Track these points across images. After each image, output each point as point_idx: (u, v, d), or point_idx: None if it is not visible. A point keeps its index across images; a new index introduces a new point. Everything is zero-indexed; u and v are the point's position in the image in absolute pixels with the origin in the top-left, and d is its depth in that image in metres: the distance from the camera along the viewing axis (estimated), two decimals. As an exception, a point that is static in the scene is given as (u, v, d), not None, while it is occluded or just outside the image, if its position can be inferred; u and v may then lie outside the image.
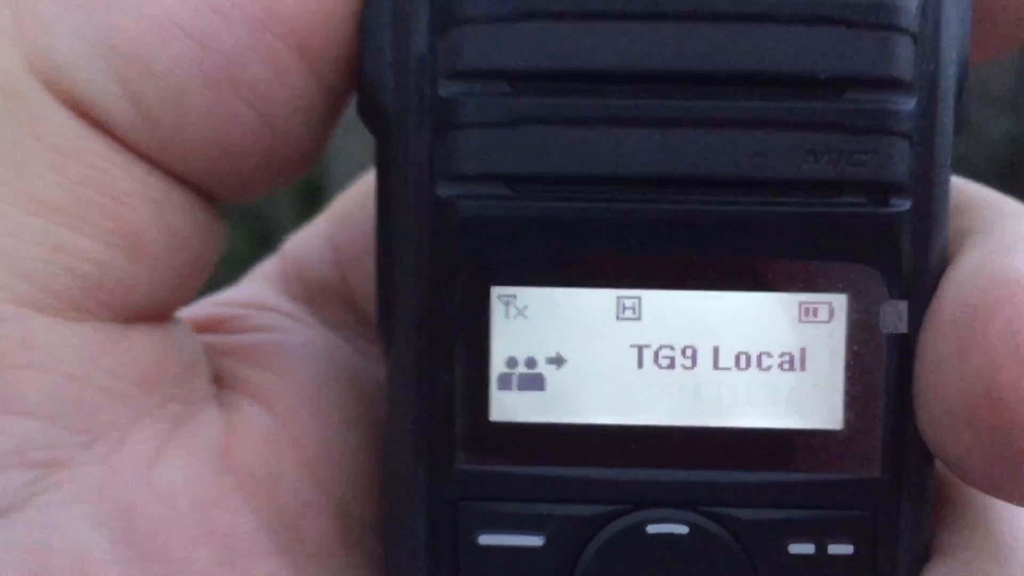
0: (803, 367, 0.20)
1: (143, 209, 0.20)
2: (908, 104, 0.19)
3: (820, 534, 0.20)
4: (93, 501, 0.19)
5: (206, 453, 0.20)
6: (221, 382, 0.22)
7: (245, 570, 0.20)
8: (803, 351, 0.20)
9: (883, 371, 0.20)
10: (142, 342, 0.20)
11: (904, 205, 0.20)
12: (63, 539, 0.19)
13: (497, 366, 0.20)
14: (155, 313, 0.21)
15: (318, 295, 0.25)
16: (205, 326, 0.23)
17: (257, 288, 0.25)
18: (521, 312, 0.20)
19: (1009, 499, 0.20)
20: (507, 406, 0.21)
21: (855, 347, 0.20)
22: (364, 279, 0.25)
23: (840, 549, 0.20)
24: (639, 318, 0.20)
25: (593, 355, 0.21)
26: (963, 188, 0.22)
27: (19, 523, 0.18)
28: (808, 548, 0.20)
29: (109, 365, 0.19)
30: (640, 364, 0.21)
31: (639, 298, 0.20)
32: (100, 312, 0.20)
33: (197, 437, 0.20)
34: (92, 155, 0.19)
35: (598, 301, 0.20)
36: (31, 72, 0.19)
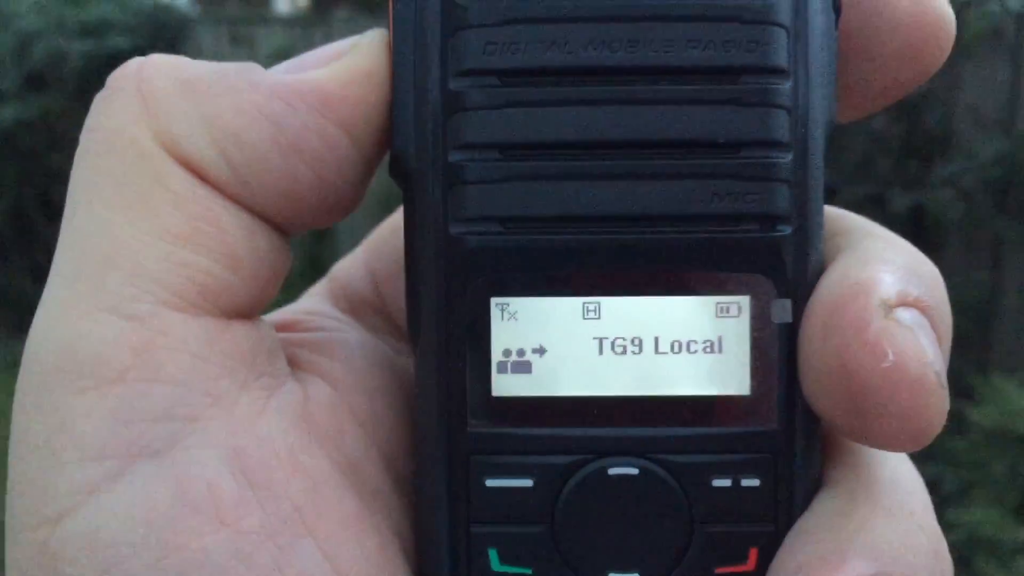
0: (720, 350, 0.27)
1: (237, 236, 0.26)
2: (786, 159, 0.26)
3: (735, 472, 0.27)
4: (218, 445, 0.25)
5: (291, 414, 0.26)
6: (294, 365, 0.28)
7: (324, 498, 0.26)
8: (720, 338, 0.27)
9: (776, 351, 0.27)
10: (241, 333, 0.27)
11: (787, 230, 0.26)
12: (199, 471, 0.25)
13: (496, 355, 0.27)
14: (247, 312, 0.27)
15: (359, 307, 0.32)
16: (281, 327, 0.30)
17: (313, 301, 0.32)
18: (512, 316, 0.27)
19: (864, 443, 0.26)
20: (504, 385, 0.27)
21: (756, 334, 0.27)
22: (395, 295, 0.32)
23: (750, 482, 0.27)
24: (599, 318, 0.27)
25: (566, 346, 0.27)
26: (839, 216, 0.28)
27: (168, 460, 0.25)
28: (726, 482, 0.27)
29: (221, 348, 0.26)
30: (601, 351, 0.27)
31: (599, 303, 0.27)
32: (211, 310, 0.26)
33: (284, 402, 0.27)
34: (201, 199, 0.26)
35: (569, 306, 0.27)
36: (157, 142, 0.26)
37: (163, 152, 0.26)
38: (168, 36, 4.19)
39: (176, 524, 0.24)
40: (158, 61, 0.27)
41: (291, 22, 4.63)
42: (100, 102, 0.27)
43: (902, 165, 2.59)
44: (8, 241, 4.02)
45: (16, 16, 4.06)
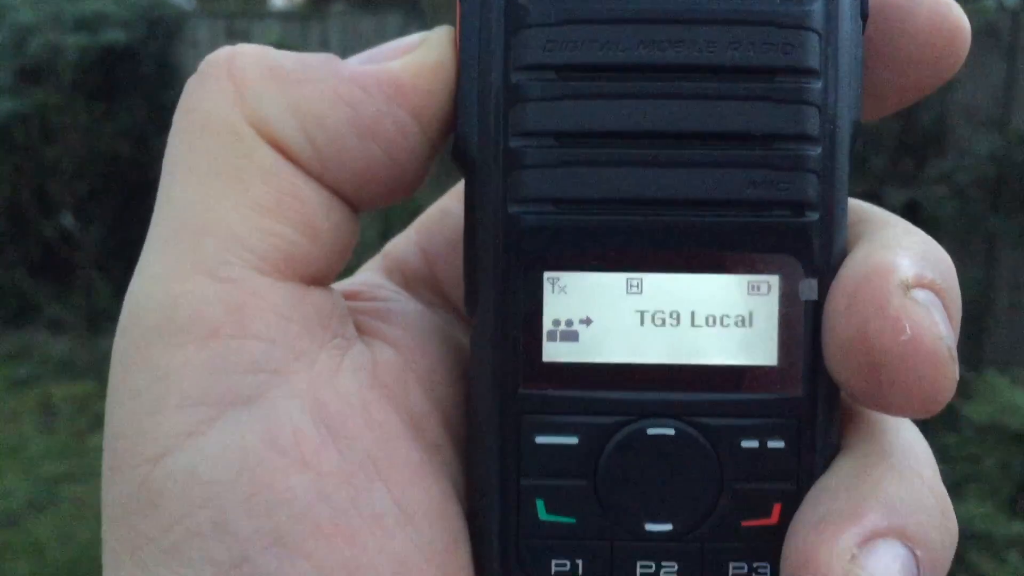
0: (751, 324, 0.29)
1: (317, 209, 0.29)
2: (815, 151, 0.28)
3: (762, 434, 0.29)
4: (301, 396, 0.27)
5: (363, 371, 0.29)
6: (359, 331, 0.30)
7: (393, 448, 0.28)
8: (751, 313, 0.29)
9: (803, 325, 0.29)
10: (318, 297, 0.29)
11: (814, 216, 0.28)
12: (286, 419, 0.27)
13: (547, 325, 0.29)
14: (322, 279, 0.30)
15: (412, 282, 0.35)
16: (346, 296, 0.32)
17: (370, 275, 0.35)
18: (563, 289, 0.29)
19: (882, 411, 0.28)
20: (553, 351, 0.29)
21: (784, 310, 0.29)
22: (446, 271, 0.35)
23: (775, 444, 0.29)
24: (641, 292, 0.29)
25: (610, 317, 0.29)
26: (861, 207, 0.31)
27: (257, 408, 0.27)
28: (754, 443, 0.29)
29: (302, 311, 0.28)
30: (642, 323, 0.29)
31: (641, 279, 0.29)
32: (293, 276, 0.28)
33: (355, 361, 0.29)
34: (286, 175, 0.28)
35: (614, 281, 0.29)
36: (248, 124, 0.28)
37: (253, 132, 0.28)
38: (164, 30, 4.18)
39: (265, 465, 0.26)
40: (247, 50, 0.29)
41: (287, 16, 4.62)
42: (194, 86, 0.29)
43: (896, 162, 2.60)
44: (3, 234, 4.01)
45: (12, 9, 4.05)
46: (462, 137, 0.29)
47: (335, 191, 0.29)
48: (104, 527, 0.28)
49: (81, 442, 3.06)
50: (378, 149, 0.29)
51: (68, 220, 3.92)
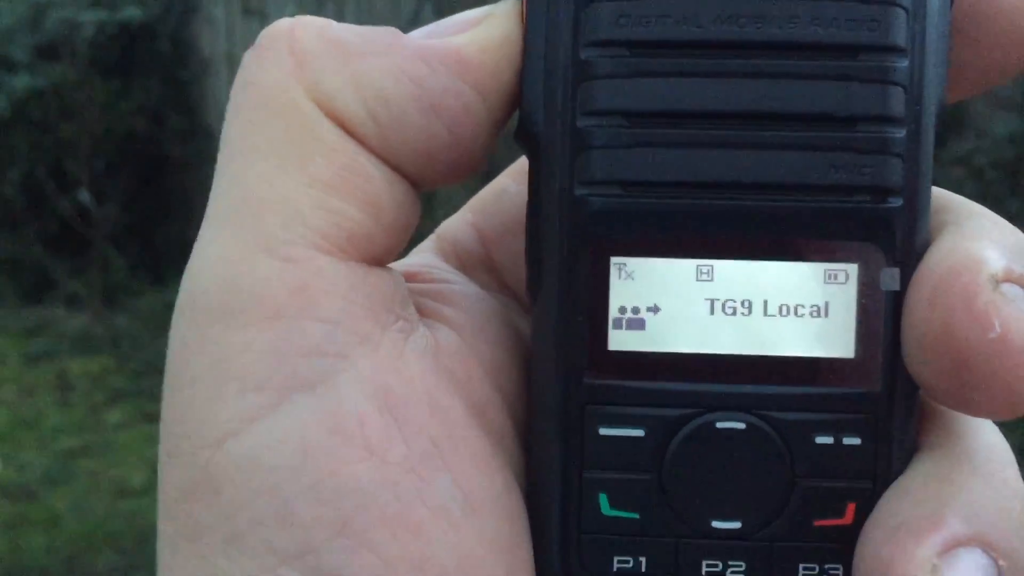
0: (827, 315, 0.27)
1: (380, 187, 0.28)
2: (900, 134, 0.27)
3: (837, 430, 0.27)
4: (366, 381, 0.26)
5: (426, 356, 0.28)
6: (420, 313, 0.29)
7: (458, 436, 0.27)
8: (827, 304, 0.27)
9: (882, 317, 0.27)
10: (381, 278, 0.28)
11: (897, 203, 0.27)
12: (350, 404, 0.26)
13: (613, 312, 0.28)
14: (383, 259, 0.29)
15: (468, 264, 0.33)
16: (405, 277, 0.31)
17: (425, 256, 0.33)
18: (630, 275, 0.28)
19: (964, 411, 0.27)
20: (619, 340, 0.28)
21: (863, 301, 0.27)
22: (504, 253, 0.33)
23: (851, 441, 0.27)
24: (712, 280, 0.28)
25: (679, 305, 0.28)
26: (943, 194, 0.29)
27: (321, 393, 0.26)
28: (828, 440, 0.27)
29: (366, 291, 0.27)
30: (712, 312, 0.28)
31: (712, 266, 0.28)
32: (355, 255, 0.27)
33: (419, 346, 0.28)
34: (349, 151, 0.27)
35: (683, 267, 0.28)
36: (309, 98, 0.27)
37: (315, 107, 0.27)
38: (180, 7, 4.18)
39: (329, 452, 0.25)
40: (308, 22, 0.28)
41: (303, -6, 4.60)
42: (253, 60, 0.28)
43: (915, 143, 2.56)
44: (20, 210, 4.03)
45: (28, -15, 4.05)
46: (527, 115, 0.28)
47: (397, 168, 0.28)
48: (160, 513, 0.27)
49: (97, 417, 3.08)
50: (441, 126, 0.28)
51: (84, 196, 3.93)
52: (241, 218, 0.27)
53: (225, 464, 0.25)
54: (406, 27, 0.29)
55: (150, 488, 2.68)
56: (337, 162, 0.27)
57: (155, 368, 3.39)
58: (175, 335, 0.27)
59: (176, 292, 0.28)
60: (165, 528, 0.27)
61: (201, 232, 0.27)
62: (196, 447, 0.26)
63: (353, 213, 0.27)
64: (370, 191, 0.27)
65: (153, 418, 3.26)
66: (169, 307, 0.27)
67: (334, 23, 0.28)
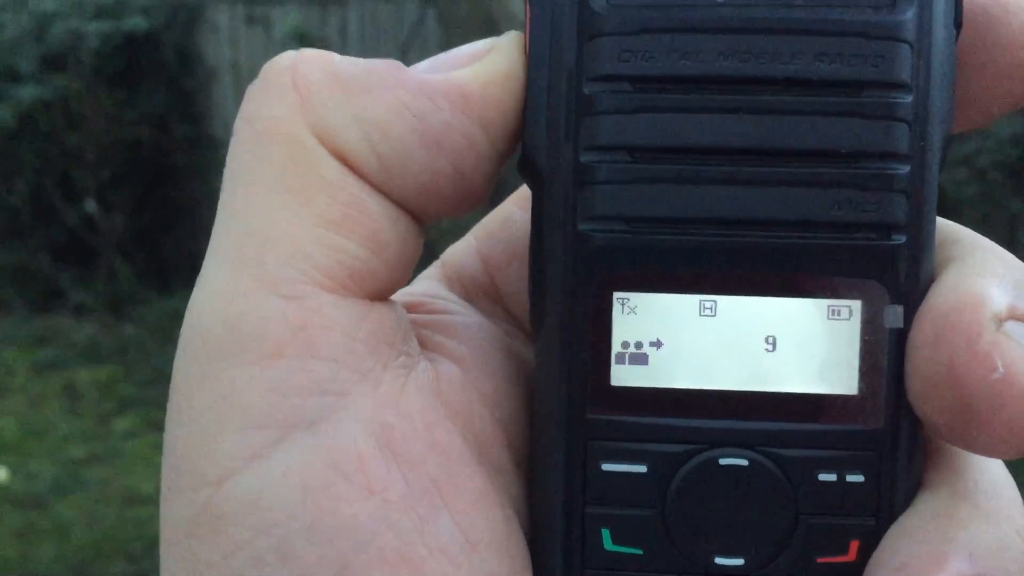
0: (830, 351, 0.27)
1: (382, 223, 0.28)
2: (904, 170, 0.26)
3: (840, 467, 0.27)
4: (366, 419, 0.26)
5: (427, 391, 0.28)
6: (422, 345, 0.29)
7: (457, 473, 0.27)
8: (830, 340, 0.27)
9: (885, 354, 0.27)
10: (382, 314, 0.28)
11: (901, 239, 0.27)
12: (350, 443, 0.26)
13: (615, 347, 0.28)
14: (385, 294, 0.28)
15: (472, 292, 0.33)
16: (407, 308, 0.31)
17: (429, 284, 0.33)
18: (632, 310, 0.28)
19: (966, 448, 0.26)
20: (622, 375, 0.28)
21: (866, 337, 0.27)
22: (509, 282, 0.33)
23: (854, 478, 0.27)
24: (715, 315, 0.28)
25: (682, 340, 0.28)
26: (949, 227, 0.29)
27: (321, 431, 0.26)
28: (832, 477, 0.27)
29: (367, 328, 0.27)
30: (715, 347, 0.27)
31: (715, 301, 0.27)
32: (357, 291, 0.27)
33: (420, 381, 0.28)
34: (351, 187, 0.27)
35: (686, 303, 0.28)
36: (312, 134, 0.27)
37: (317, 143, 0.27)
38: (184, 16, 4.19)
39: (329, 491, 0.25)
40: (311, 56, 0.28)
41: (307, 2, 4.62)
42: (256, 94, 0.28)
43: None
44: (27, 220, 4.04)
45: (34, -4, 4.06)
46: (530, 150, 0.28)
47: (400, 204, 0.28)
48: (162, 547, 0.27)
49: (105, 426, 3.09)
50: (444, 161, 0.28)
51: (91, 206, 3.94)
52: (243, 255, 0.27)
53: (226, 503, 0.25)
54: (409, 35, 0.29)
55: (159, 496, 2.67)
56: (339, 199, 0.27)
57: (163, 376, 3.39)
58: (178, 370, 0.27)
59: (183, 301, 0.28)
60: (167, 563, 0.27)
61: (204, 267, 0.28)
62: (197, 484, 0.26)
63: (355, 250, 0.27)
64: (372, 227, 0.27)
65: (161, 426, 3.22)
66: (176, 316, 0.27)
67: (337, 56, 0.28)
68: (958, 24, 0.27)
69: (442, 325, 0.30)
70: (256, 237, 0.27)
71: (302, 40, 3.59)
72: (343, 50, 0.33)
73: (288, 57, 0.28)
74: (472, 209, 0.29)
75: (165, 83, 4.13)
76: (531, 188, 0.29)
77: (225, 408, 0.26)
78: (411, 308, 0.31)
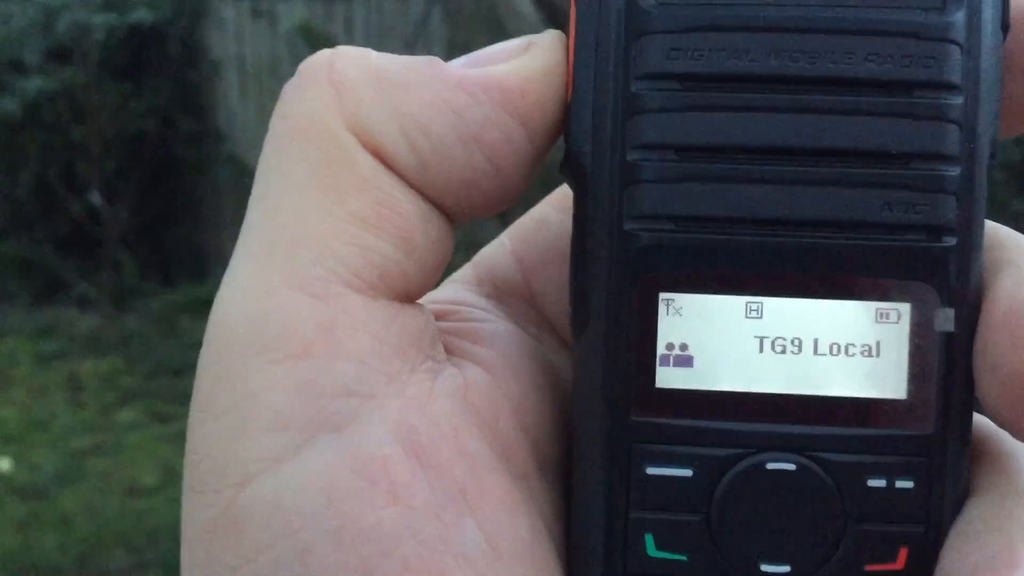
0: (878, 354, 0.27)
1: (415, 222, 0.27)
2: (954, 171, 0.26)
3: (889, 473, 0.27)
4: (393, 423, 0.26)
5: (455, 396, 0.27)
6: (449, 351, 0.29)
7: (483, 479, 0.26)
8: (878, 343, 0.27)
9: (935, 357, 0.27)
10: (410, 316, 0.27)
11: (951, 241, 0.26)
12: (376, 448, 0.25)
13: (660, 349, 0.27)
14: (414, 296, 0.28)
15: (504, 294, 0.33)
16: (435, 315, 0.30)
17: (457, 289, 0.33)
18: (678, 311, 0.27)
19: None
20: (667, 377, 0.27)
21: (916, 341, 0.27)
22: (544, 283, 0.32)
23: (904, 484, 0.27)
24: (761, 317, 0.27)
25: (727, 342, 0.27)
26: (998, 230, 0.29)
27: (347, 435, 0.25)
28: (881, 482, 0.27)
29: (395, 330, 0.27)
30: (761, 350, 0.27)
31: (762, 303, 0.27)
32: (387, 292, 0.27)
33: (447, 385, 0.27)
34: (386, 185, 0.27)
35: (732, 304, 0.27)
36: (348, 129, 0.27)
37: (354, 139, 0.27)
38: (190, 9, 4.19)
39: (353, 497, 0.25)
40: (348, 52, 0.28)
41: (312, -4, 4.61)
42: (292, 90, 0.28)
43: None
44: (32, 212, 4.04)
45: (40, -12, 4.07)
46: (575, 148, 0.27)
47: (434, 202, 0.28)
48: (183, 548, 0.26)
49: (108, 417, 3.09)
50: (483, 158, 0.27)
51: (95, 198, 3.94)
52: (272, 252, 0.26)
53: (248, 505, 0.25)
54: (415, 31, 0.29)
55: (161, 487, 2.69)
56: (374, 197, 0.27)
57: (165, 369, 3.41)
58: (202, 366, 0.26)
59: (186, 294, 0.28)
60: (186, 564, 0.26)
61: (232, 263, 0.27)
62: (220, 486, 0.25)
63: (386, 249, 0.27)
64: (404, 227, 0.27)
65: (163, 418, 3.27)
66: (178, 308, 0.27)
67: (374, 53, 0.28)
68: (1005, 27, 0.27)
69: (469, 331, 0.30)
70: (286, 234, 0.26)
71: (307, 35, 3.60)
72: (348, 45, 0.32)
73: (325, 54, 0.28)
74: (505, 208, 0.29)
75: (170, 76, 4.13)
76: (573, 188, 0.28)
77: (249, 408, 0.25)
78: (440, 316, 0.30)
